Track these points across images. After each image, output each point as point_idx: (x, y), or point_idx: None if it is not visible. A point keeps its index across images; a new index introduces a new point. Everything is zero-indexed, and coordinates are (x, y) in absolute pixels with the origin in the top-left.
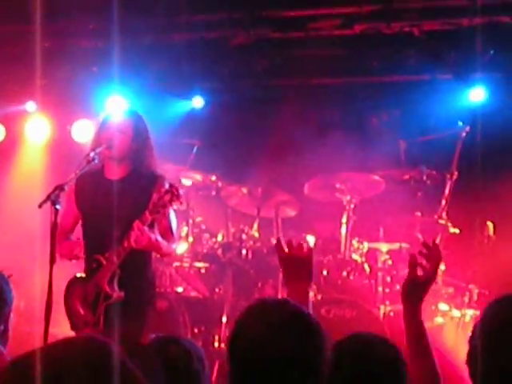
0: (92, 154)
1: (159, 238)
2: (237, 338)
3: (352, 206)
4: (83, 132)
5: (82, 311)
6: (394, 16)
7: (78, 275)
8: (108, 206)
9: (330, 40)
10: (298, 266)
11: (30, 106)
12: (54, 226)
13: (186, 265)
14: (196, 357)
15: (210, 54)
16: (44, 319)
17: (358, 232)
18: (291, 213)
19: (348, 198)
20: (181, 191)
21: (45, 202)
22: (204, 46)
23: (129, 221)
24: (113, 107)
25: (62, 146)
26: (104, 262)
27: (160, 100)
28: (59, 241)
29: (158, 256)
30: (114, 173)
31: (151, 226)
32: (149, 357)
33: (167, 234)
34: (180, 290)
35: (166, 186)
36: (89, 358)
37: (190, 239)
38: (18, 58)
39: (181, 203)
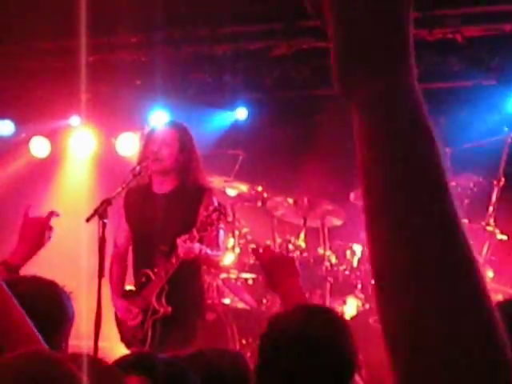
0: (138, 168)
1: (208, 251)
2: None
3: None
4: (127, 145)
5: (134, 322)
6: (436, 23)
7: (128, 288)
8: (155, 220)
9: None
10: (282, 265)
11: (74, 120)
12: (102, 240)
13: (233, 276)
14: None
15: (253, 65)
16: (94, 333)
17: None
18: (337, 222)
19: None
20: (229, 210)
21: (92, 216)
22: (246, 56)
23: (177, 235)
24: (157, 120)
25: (106, 160)
26: (153, 277)
27: (203, 111)
28: (115, 262)
29: (205, 268)
30: (161, 186)
31: (199, 241)
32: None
33: (213, 245)
34: (227, 301)
35: (214, 201)
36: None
37: (237, 250)
38: (61, 72)
39: (228, 222)
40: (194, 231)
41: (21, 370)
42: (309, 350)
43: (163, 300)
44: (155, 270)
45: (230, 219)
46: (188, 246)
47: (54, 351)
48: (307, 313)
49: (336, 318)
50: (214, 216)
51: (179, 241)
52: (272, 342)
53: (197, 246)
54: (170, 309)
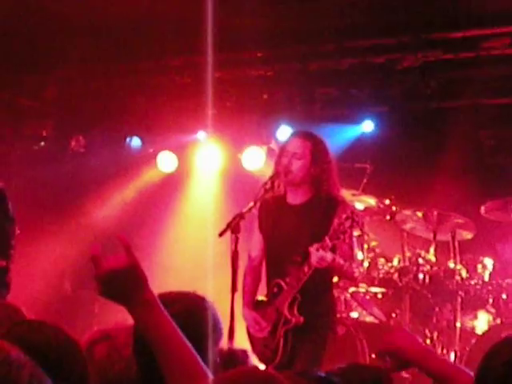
0: (269, 183)
1: (341, 261)
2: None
3: None
4: (254, 160)
5: (261, 335)
6: None
7: (260, 299)
8: (289, 231)
9: (501, 59)
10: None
11: (201, 135)
12: (234, 254)
13: (362, 290)
14: None
15: (379, 78)
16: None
17: None
18: (468, 236)
19: None
20: (367, 217)
21: (225, 230)
22: (372, 70)
23: (309, 246)
24: (284, 134)
25: (233, 174)
26: (285, 287)
27: (330, 125)
28: (248, 273)
29: (335, 281)
30: (295, 197)
31: (332, 251)
32: None
33: (347, 257)
34: (355, 315)
35: (348, 212)
36: None
37: (366, 264)
38: (189, 88)
39: (361, 230)
40: (327, 239)
41: None
42: None
43: (295, 310)
44: (287, 279)
45: (363, 228)
46: (321, 254)
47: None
48: None
49: None
50: (347, 224)
51: (312, 249)
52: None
53: (329, 255)
54: (302, 319)
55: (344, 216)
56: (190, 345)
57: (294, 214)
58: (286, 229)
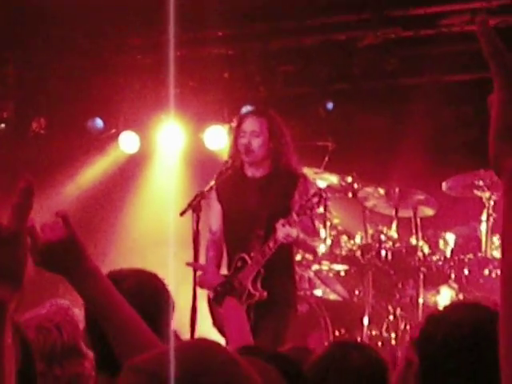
0: (230, 162)
1: (304, 236)
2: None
3: (492, 202)
4: (216, 139)
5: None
6: None
7: (222, 273)
8: (249, 204)
9: (461, 36)
10: None
11: (163, 114)
12: (195, 234)
13: (325, 268)
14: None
15: (340, 56)
16: (190, 328)
17: (499, 229)
18: (430, 212)
19: (487, 195)
20: (329, 194)
21: (186, 210)
22: (333, 47)
23: (271, 219)
24: (244, 113)
25: (195, 153)
26: (249, 261)
27: (291, 104)
28: (211, 248)
29: (298, 259)
30: (255, 172)
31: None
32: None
33: (308, 231)
34: (319, 293)
35: (309, 185)
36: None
37: (328, 242)
38: (150, 68)
39: (326, 206)
40: (294, 215)
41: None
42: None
43: (259, 284)
44: (251, 254)
45: (328, 204)
46: (287, 230)
47: None
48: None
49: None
50: (315, 200)
51: (278, 224)
52: (440, 343)
53: (295, 230)
54: (265, 294)
55: (312, 192)
56: (136, 313)
57: (254, 187)
58: (247, 202)
